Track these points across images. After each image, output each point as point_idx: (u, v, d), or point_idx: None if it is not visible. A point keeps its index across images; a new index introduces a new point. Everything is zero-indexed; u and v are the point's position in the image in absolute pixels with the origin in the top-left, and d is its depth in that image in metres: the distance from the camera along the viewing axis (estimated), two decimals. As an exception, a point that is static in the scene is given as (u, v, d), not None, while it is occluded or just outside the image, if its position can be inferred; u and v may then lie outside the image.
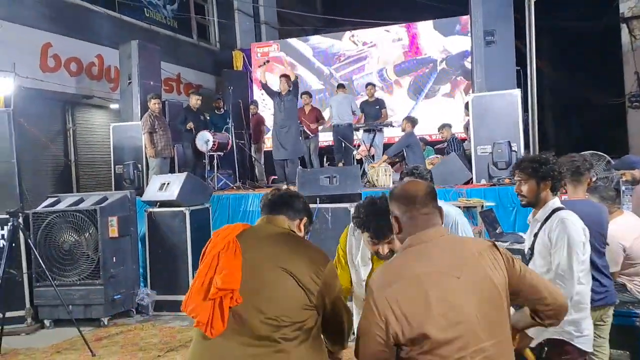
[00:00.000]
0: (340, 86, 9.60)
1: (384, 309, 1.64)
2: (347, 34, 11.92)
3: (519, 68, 6.46)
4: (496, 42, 6.35)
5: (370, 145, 8.30)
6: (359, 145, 8.59)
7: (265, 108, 11.06)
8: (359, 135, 8.52)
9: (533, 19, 2.55)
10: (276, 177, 8.97)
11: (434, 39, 10.96)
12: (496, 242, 1.88)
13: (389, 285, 1.68)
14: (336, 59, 11.77)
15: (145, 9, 10.88)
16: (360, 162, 8.35)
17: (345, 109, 8.73)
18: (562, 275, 2.53)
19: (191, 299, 1.83)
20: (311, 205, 5.56)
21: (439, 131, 9.15)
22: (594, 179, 6.26)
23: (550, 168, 2.63)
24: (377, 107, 9.06)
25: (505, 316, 1.75)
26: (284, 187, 2.15)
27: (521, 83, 6.69)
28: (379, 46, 11.46)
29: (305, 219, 2.10)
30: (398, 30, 11.39)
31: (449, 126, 8.77)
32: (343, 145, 8.50)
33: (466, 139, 8.07)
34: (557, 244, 2.56)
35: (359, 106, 9.34)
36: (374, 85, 9.46)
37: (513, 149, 5.87)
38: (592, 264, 3.10)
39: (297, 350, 1.79)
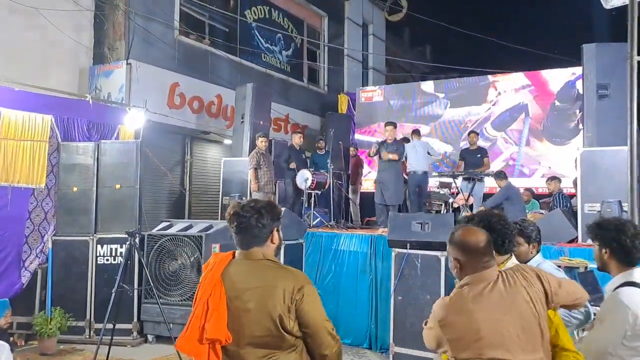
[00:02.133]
0: (415, 132, 9.59)
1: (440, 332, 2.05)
2: (454, 81, 11.92)
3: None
4: (610, 95, 6.06)
5: (469, 195, 8.14)
6: (457, 193, 8.45)
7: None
8: (457, 183, 8.39)
9: (635, 77, 2.48)
10: (371, 218, 9.07)
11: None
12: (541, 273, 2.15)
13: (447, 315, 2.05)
14: (438, 105, 11.75)
15: (262, 54, 11.76)
16: (456, 210, 8.20)
17: (420, 157, 8.70)
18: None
19: (187, 341, 2.00)
20: (400, 251, 5.61)
21: (546, 183, 8.77)
22: None
23: (610, 234, 2.49)
24: (479, 155, 8.89)
25: (541, 343, 2.03)
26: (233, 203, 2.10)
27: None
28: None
29: (274, 231, 2.14)
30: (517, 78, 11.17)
31: (558, 179, 8.37)
32: (417, 193, 8.50)
33: (574, 195, 7.64)
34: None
35: (459, 153, 9.24)
36: (477, 133, 9.31)
37: (624, 209, 5.47)
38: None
39: None
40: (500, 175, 7.88)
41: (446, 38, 17.06)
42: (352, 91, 13.35)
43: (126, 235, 5.85)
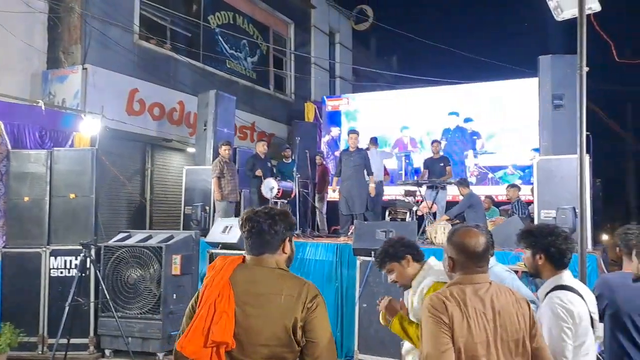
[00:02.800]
0: (372, 141, 9.63)
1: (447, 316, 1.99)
2: (419, 90, 12.07)
3: (588, 133, 6.23)
4: (564, 105, 6.21)
5: (433, 202, 8.21)
6: (421, 201, 8.52)
7: (330, 160, 11.32)
8: (422, 192, 8.46)
9: (585, 88, 2.53)
10: (337, 227, 9.06)
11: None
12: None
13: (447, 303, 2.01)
14: (403, 114, 11.86)
15: (227, 61, 11.64)
16: (421, 218, 8.25)
17: (375, 166, 8.63)
18: None
19: (191, 342, 1.92)
20: (365, 259, 5.61)
21: (505, 191, 8.95)
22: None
23: (538, 239, 2.57)
24: (442, 164, 8.99)
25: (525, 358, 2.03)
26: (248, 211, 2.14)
27: (591, 148, 6.45)
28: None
29: (286, 240, 2.10)
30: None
31: (517, 187, 8.58)
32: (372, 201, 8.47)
33: (532, 202, 7.79)
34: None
35: (423, 162, 9.34)
36: (439, 142, 9.42)
37: (578, 215, 5.61)
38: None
39: None
40: (463, 183, 7.99)
41: (412, 48, 17.31)
42: (319, 99, 13.37)
43: (81, 247, 5.68)
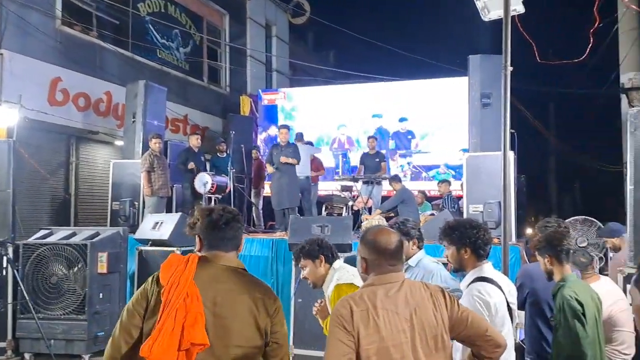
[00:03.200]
0: (298, 137, 9.71)
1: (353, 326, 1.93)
2: (357, 86, 12.21)
3: (513, 131, 6.56)
4: (492, 104, 6.49)
5: (369, 197, 8.34)
6: (357, 196, 8.63)
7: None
8: (357, 187, 8.57)
9: (509, 87, 2.65)
10: (274, 222, 9.02)
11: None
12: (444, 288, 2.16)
13: (353, 309, 1.95)
14: (340, 110, 11.97)
15: (158, 50, 11.23)
16: (357, 213, 8.36)
17: (303, 161, 8.49)
18: None
19: (161, 346, 1.82)
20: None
21: (437, 186, 9.24)
22: (584, 244, 6.24)
23: (464, 234, 2.65)
24: (377, 159, 9.14)
25: (444, 355, 2.00)
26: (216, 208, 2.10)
27: (515, 145, 6.79)
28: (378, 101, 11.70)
29: (242, 238, 2.13)
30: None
31: (448, 182, 8.88)
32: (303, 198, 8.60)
33: (462, 197, 8.11)
34: None
35: (360, 157, 9.48)
36: (375, 138, 9.58)
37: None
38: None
39: None
40: (395, 178, 8.18)
41: (349, 44, 17.46)
42: (255, 93, 13.21)
43: (-4, 245, 5.32)
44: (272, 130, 12.24)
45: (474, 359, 2.13)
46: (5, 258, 5.33)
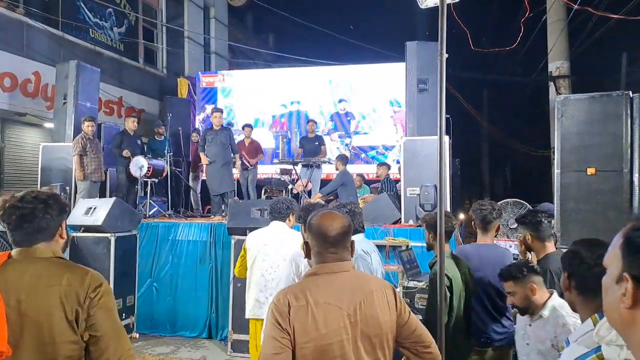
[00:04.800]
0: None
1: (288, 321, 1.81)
2: (293, 69, 12.20)
3: (448, 116, 6.81)
4: (429, 90, 6.69)
5: (308, 181, 8.41)
6: (296, 180, 8.68)
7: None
8: (297, 170, 8.62)
9: (444, 74, 2.75)
10: (211, 206, 8.94)
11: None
12: (395, 286, 2.11)
13: (291, 304, 1.82)
14: (280, 94, 11.94)
15: (90, 30, 10.73)
16: (296, 196, 8.42)
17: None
18: None
19: None
20: (240, 238, 5.60)
21: (376, 168, 9.43)
22: (514, 226, 6.59)
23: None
24: (317, 143, 9.22)
25: (384, 354, 1.88)
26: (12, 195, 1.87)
27: (451, 130, 7.05)
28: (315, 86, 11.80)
29: (63, 224, 1.92)
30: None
31: (387, 166, 9.09)
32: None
33: (399, 180, 8.34)
34: None
35: (299, 141, 9.51)
36: (315, 122, 9.64)
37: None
38: (494, 305, 3.28)
39: None
40: (342, 158, 8.22)
41: (288, 27, 17.36)
42: (193, 75, 12.90)
43: None
44: (209, 110, 12.12)
45: None
46: None
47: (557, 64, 10.74)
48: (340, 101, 11.63)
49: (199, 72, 12.77)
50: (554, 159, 5.35)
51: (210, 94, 12.30)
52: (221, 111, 8.53)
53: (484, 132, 21.68)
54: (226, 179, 8.25)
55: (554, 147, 5.74)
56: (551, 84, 10.90)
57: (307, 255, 1.97)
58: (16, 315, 1.71)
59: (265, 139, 11.02)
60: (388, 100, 11.20)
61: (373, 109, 11.38)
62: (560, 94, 10.10)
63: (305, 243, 1.98)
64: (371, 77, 11.42)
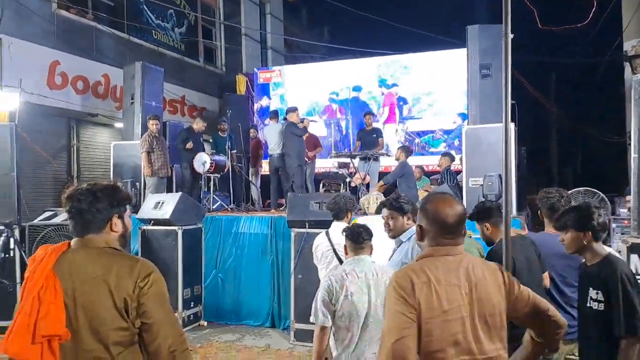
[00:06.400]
0: (273, 115, 9.76)
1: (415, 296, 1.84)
2: (352, 61, 12.16)
3: (514, 102, 6.54)
4: (492, 75, 6.47)
5: (366, 174, 8.38)
6: (354, 173, 8.67)
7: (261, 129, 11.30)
8: (355, 163, 8.60)
9: (510, 56, 2.64)
10: (281, 200, 9.15)
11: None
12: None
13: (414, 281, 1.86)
14: (334, 84, 11.95)
15: (153, 31, 11.16)
16: (354, 190, 8.42)
17: (277, 139, 8.70)
18: None
19: (13, 341, 1.77)
20: (300, 230, 5.68)
21: (440, 159, 9.16)
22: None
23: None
24: (374, 135, 9.15)
25: (500, 334, 1.92)
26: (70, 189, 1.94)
27: (516, 116, 6.78)
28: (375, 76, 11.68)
29: (114, 217, 1.93)
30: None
31: (449, 156, 8.76)
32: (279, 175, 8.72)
33: (460, 171, 8.14)
34: None
35: (357, 133, 9.49)
36: (372, 115, 9.57)
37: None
38: (564, 297, 3.15)
39: None
40: (405, 149, 8.09)
41: (343, 19, 17.30)
42: (251, 71, 13.15)
43: (3, 227, 5.39)
44: (264, 101, 12.33)
45: (533, 341, 2.07)
46: (12, 240, 5.41)
47: (632, 43, 10.08)
48: (392, 86, 11.47)
49: (256, 69, 13.00)
50: (629, 144, 5.03)
51: (267, 90, 12.51)
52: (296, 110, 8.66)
53: (552, 118, 20.62)
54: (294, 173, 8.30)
55: (629, 132, 5.41)
56: (626, 64, 10.28)
57: (420, 238, 2.01)
58: (72, 302, 1.80)
59: (317, 126, 10.93)
60: (445, 85, 10.91)
61: (428, 92, 11.13)
62: (636, 74, 9.49)
63: (419, 226, 2.00)
64: (429, 65, 11.18)
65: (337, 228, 3.99)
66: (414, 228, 3.16)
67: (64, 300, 1.79)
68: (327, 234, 4.26)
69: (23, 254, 5.73)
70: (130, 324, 1.81)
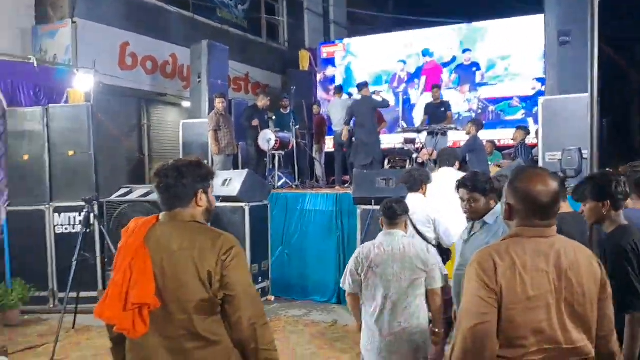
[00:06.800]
0: (337, 91, 9.63)
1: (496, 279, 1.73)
2: (417, 32, 11.79)
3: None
4: (571, 42, 6.05)
5: (433, 149, 8.13)
6: (421, 148, 8.45)
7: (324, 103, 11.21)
8: (422, 138, 8.38)
9: (597, 19, 2.41)
10: (335, 177, 9.14)
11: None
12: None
13: (497, 263, 1.74)
14: (400, 54, 11.63)
15: (217, 9, 11.26)
16: (422, 165, 8.21)
17: (341, 115, 8.67)
18: None
19: (108, 308, 1.89)
20: (366, 207, 5.62)
21: (515, 132, 8.72)
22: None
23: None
24: (443, 109, 8.86)
25: (587, 325, 1.77)
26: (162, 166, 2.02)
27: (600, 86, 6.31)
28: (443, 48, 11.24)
29: (199, 192, 1.98)
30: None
31: (524, 130, 8.29)
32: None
33: (536, 146, 7.72)
34: None
35: (424, 107, 9.23)
36: (439, 87, 9.25)
37: (584, 156, 5.51)
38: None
39: (223, 343, 1.90)
40: (477, 123, 7.77)
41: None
42: (314, 47, 13.04)
43: (83, 203, 5.67)
44: (329, 71, 12.22)
45: None
46: (92, 215, 5.68)
47: None
48: (464, 51, 11.02)
49: (320, 43, 12.87)
50: None
51: (331, 64, 12.38)
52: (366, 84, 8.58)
53: (635, 88, 19.14)
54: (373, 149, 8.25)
55: None
56: None
57: (509, 217, 1.84)
58: (160, 273, 1.89)
59: (385, 97, 10.77)
60: (522, 51, 10.34)
61: (504, 56, 10.60)
62: None
63: (508, 205, 1.83)
64: (504, 31, 10.63)
65: (411, 199, 3.99)
66: (498, 208, 3.02)
67: (153, 271, 1.87)
68: None
69: (102, 228, 6.01)
70: (212, 296, 1.87)
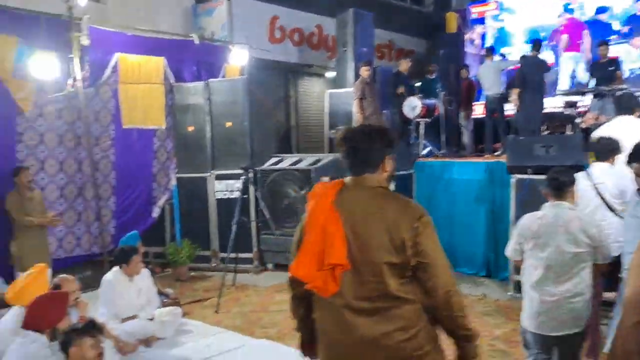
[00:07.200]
0: (488, 52, 8.98)
1: None
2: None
3: None
4: None
5: (600, 114, 7.27)
6: (584, 113, 7.62)
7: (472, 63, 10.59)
8: (586, 101, 7.54)
9: None
10: (483, 145, 8.65)
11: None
12: None
13: None
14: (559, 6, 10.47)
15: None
16: (586, 131, 7.41)
17: (493, 78, 8.31)
18: None
19: (303, 266, 1.94)
20: (521, 177, 5.25)
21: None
22: None
23: None
24: (611, 68, 7.83)
25: None
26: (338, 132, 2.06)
27: None
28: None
29: (387, 158, 1.98)
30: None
31: None
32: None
33: None
34: None
35: (589, 67, 8.27)
36: (607, 44, 8.17)
37: None
38: None
39: (418, 302, 1.90)
40: None
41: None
42: (462, 7, 12.30)
43: (241, 171, 6.11)
44: (479, 29, 11.51)
45: None
46: (249, 182, 6.09)
47: None
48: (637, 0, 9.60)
49: (468, 3, 12.12)
50: None
51: (481, 24, 11.61)
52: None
53: None
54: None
55: None
56: None
57: None
58: (351, 235, 1.91)
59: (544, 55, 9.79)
60: None
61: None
62: None
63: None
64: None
65: (598, 168, 3.99)
66: None
67: (345, 233, 1.92)
68: (588, 173, 4.07)
69: (258, 195, 6.44)
70: (403, 262, 1.87)
